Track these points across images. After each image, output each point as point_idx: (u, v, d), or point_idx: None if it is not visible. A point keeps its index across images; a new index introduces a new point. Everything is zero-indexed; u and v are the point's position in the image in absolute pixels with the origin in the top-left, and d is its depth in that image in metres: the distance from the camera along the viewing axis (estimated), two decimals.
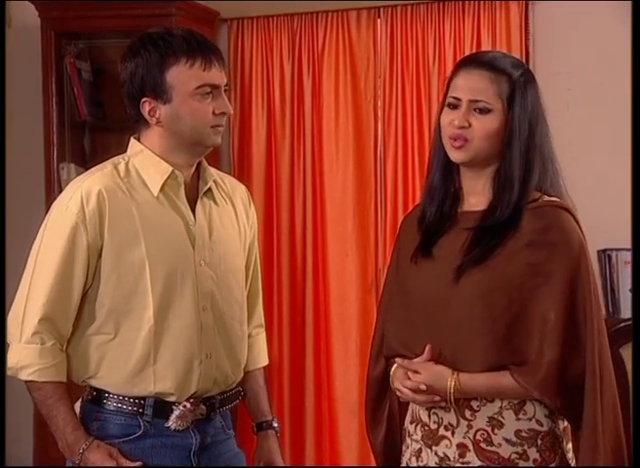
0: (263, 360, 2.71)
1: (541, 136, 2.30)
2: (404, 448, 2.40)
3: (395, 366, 2.35)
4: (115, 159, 2.46)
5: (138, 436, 2.38)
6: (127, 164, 2.44)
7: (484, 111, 2.25)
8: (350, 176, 4.52)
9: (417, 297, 2.32)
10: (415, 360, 2.28)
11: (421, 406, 2.30)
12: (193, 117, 2.38)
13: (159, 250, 2.38)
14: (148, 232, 2.38)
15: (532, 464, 2.23)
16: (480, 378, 2.23)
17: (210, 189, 2.50)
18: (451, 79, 2.33)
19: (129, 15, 4.26)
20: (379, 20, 4.49)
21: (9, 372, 2.39)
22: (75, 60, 4.53)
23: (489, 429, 2.24)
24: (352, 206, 4.52)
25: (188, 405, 2.40)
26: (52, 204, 2.45)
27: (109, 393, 2.39)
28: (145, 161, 2.43)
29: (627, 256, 4.06)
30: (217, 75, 2.40)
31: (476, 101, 2.26)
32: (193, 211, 2.45)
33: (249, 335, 2.61)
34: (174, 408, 2.39)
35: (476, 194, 2.32)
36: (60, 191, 2.48)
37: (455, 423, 2.26)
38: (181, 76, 2.36)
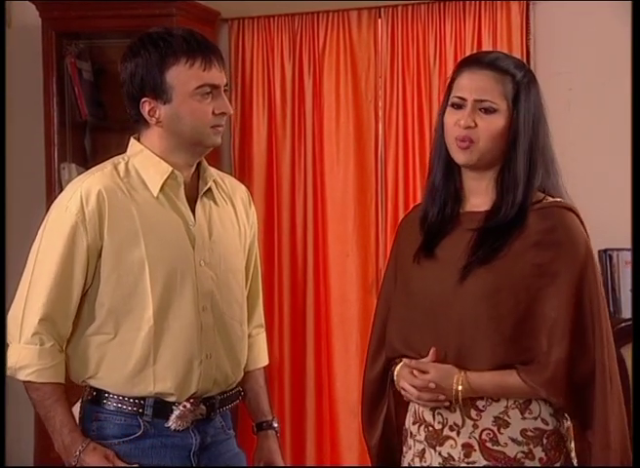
0: (264, 360, 2.71)
1: (544, 136, 2.30)
2: (405, 449, 2.40)
3: (400, 365, 2.34)
4: (115, 159, 2.46)
5: (137, 436, 2.38)
6: (127, 164, 2.43)
7: (489, 111, 2.25)
8: (351, 177, 4.51)
9: (420, 298, 2.32)
10: (421, 360, 2.28)
11: (426, 406, 2.30)
12: (193, 117, 2.38)
13: (159, 250, 2.38)
14: (148, 232, 2.37)
15: (537, 463, 2.23)
16: (487, 377, 2.23)
17: (210, 189, 2.50)
18: (453, 79, 2.32)
19: (129, 15, 4.26)
20: (379, 20, 4.48)
21: (8, 372, 2.39)
22: (76, 60, 4.52)
23: (495, 429, 2.24)
24: (353, 206, 4.51)
25: (188, 405, 2.40)
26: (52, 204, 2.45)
27: (109, 393, 2.39)
28: (145, 161, 2.43)
29: (628, 256, 4.05)
30: (217, 75, 2.39)
31: (481, 101, 2.25)
32: (193, 211, 2.45)
33: (249, 335, 2.61)
34: (174, 408, 2.39)
35: (479, 195, 2.32)
36: (61, 191, 2.47)
37: (460, 423, 2.26)
38: (181, 76, 2.36)
